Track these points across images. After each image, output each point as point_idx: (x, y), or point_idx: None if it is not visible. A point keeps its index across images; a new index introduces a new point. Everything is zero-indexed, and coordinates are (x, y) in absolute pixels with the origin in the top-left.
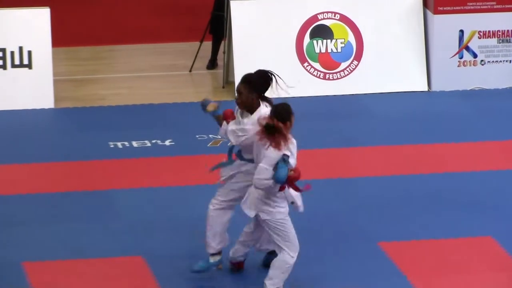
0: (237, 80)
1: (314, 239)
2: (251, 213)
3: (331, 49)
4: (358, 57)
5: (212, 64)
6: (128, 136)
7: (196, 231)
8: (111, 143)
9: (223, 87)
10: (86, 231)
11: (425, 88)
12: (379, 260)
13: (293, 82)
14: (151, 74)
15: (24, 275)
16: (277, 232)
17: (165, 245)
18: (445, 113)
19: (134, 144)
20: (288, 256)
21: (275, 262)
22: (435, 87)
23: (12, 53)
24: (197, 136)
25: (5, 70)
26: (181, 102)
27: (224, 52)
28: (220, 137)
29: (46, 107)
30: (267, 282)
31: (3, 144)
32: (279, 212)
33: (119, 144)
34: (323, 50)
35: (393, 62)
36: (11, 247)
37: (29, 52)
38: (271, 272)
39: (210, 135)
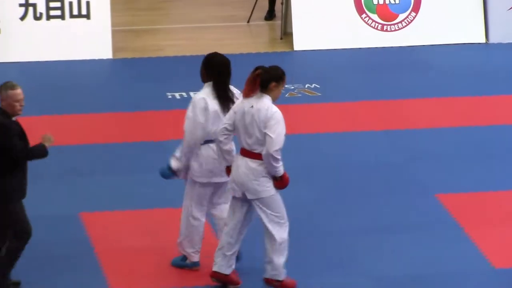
0: (295, 31)
1: (370, 191)
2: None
3: (389, 0)
4: (416, 8)
5: (270, 15)
6: (185, 86)
7: None
8: (168, 93)
9: (281, 38)
10: (143, 182)
11: (483, 40)
12: (436, 212)
13: (350, 33)
14: (209, 25)
15: (82, 226)
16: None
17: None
18: (502, 65)
19: (192, 94)
20: (285, 234)
21: (274, 246)
22: (493, 39)
23: (70, 3)
24: None
25: (63, 21)
26: (239, 53)
27: (282, 3)
28: None
29: (104, 57)
30: (278, 271)
31: (61, 95)
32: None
33: (177, 95)
34: (381, 2)
35: (450, 14)
36: (69, 198)
37: (87, 3)
38: (276, 258)
39: None
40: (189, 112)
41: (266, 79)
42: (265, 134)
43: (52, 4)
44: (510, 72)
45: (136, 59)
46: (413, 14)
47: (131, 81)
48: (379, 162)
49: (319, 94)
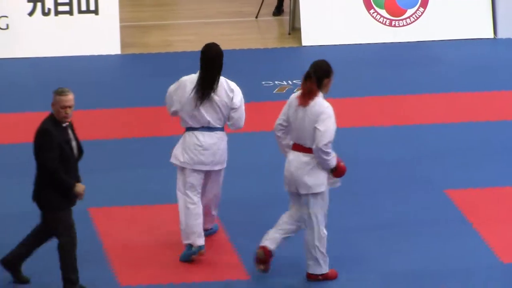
0: (303, 26)
1: (379, 187)
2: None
3: None
4: (424, 3)
5: (278, 11)
6: None
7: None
8: None
9: (289, 34)
10: (152, 177)
11: (491, 35)
12: (445, 207)
13: (359, 28)
14: (217, 21)
15: (90, 221)
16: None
17: (230, 189)
18: (510, 60)
19: None
20: (325, 229)
21: (312, 241)
22: (501, 34)
23: None
24: (263, 83)
25: (71, 16)
26: (247, 48)
27: None
28: None
29: (113, 53)
30: (320, 263)
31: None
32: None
33: None
34: None
35: (459, 9)
36: None
37: None
38: (314, 254)
39: (276, 82)
40: None
41: (320, 77)
42: (315, 129)
43: (60, 0)
44: None
45: (144, 54)
46: (421, 9)
47: (139, 76)
48: (387, 158)
49: None
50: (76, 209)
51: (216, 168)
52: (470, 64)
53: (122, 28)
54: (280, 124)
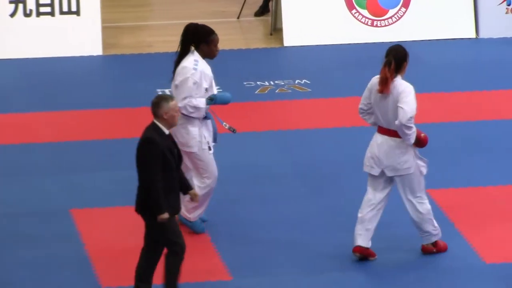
0: (285, 27)
1: (361, 187)
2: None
3: None
4: (406, 4)
5: (263, 11)
6: None
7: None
8: (159, 90)
9: (271, 34)
10: (134, 179)
11: (473, 35)
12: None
13: (341, 28)
14: (199, 21)
15: (72, 222)
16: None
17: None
18: (493, 60)
19: None
20: (427, 205)
21: (421, 214)
22: (483, 34)
23: (60, 0)
24: (245, 83)
25: (53, 17)
26: (229, 49)
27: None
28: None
29: (95, 54)
30: (432, 232)
31: (52, 91)
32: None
33: (167, 91)
34: None
35: (441, 9)
36: (59, 194)
37: None
38: (424, 225)
39: (258, 82)
40: None
41: (399, 61)
42: (397, 108)
43: (42, 1)
44: (500, 67)
45: (126, 55)
46: (403, 9)
47: (121, 77)
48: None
49: (309, 90)
50: (58, 210)
51: (183, 148)
52: (452, 64)
53: (104, 29)
54: (361, 108)
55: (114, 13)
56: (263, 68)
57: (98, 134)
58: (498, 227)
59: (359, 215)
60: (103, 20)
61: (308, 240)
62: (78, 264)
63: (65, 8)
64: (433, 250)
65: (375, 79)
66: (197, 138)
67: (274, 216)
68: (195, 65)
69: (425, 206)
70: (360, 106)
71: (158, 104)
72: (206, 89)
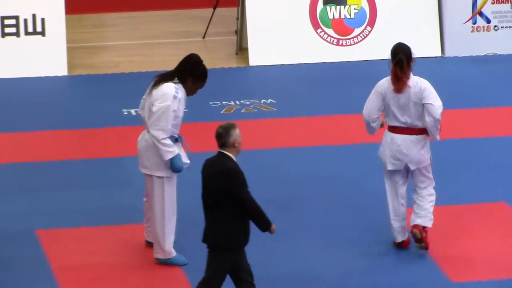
0: (251, 46)
1: (326, 205)
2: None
3: (345, 15)
4: (372, 23)
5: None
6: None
7: None
8: (124, 110)
9: (237, 54)
10: (100, 198)
11: (439, 54)
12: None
13: (306, 48)
14: (164, 41)
15: (38, 243)
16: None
17: (179, 210)
18: (458, 79)
19: None
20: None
21: (426, 200)
22: (449, 53)
23: (25, 20)
24: (211, 103)
25: (18, 38)
26: None
27: (237, 18)
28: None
29: (60, 74)
30: (428, 218)
31: (17, 112)
32: None
33: (133, 111)
34: (337, 16)
35: (406, 28)
36: (25, 214)
37: (42, 20)
38: (424, 212)
39: (224, 102)
40: None
41: (408, 58)
42: (424, 105)
43: (7, 22)
44: (466, 85)
45: (91, 75)
46: (368, 28)
47: (86, 98)
48: (334, 176)
49: (275, 109)
50: (24, 230)
51: (143, 170)
52: None
53: (69, 49)
54: (374, 117)
55: (79, 34)
56: (229, 87)
57: (63, 154)
58: (464, 246)
59: (393, 213)
60: (68, 41)
61: (276, 261)
62: (44, 285)
63: (30, 29)
64: (423, 233)
65: (385, 82)
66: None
67: None
68: (176, 92)
69: (434, 190)
70: (371, 116)
71: (228, 133)
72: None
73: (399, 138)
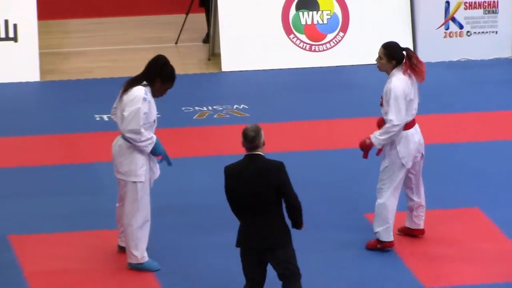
0: (223, 52)
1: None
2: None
3: (317, 20)
4: (344, 28)
5: (208, 37)
6: None
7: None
8: (97, 115)
9: (209, 59)
10: (72, 204)
11: None
12: (365, 231)
13: (279, 53)
14: (137, 47)
15: (11, 248)
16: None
17: (151, 216)
18: (431, 84)
19: None
20: None
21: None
22: (422, 58)
23: None
24: (183, 109)
25: None
26: None
27: (209, 25)
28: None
29: (32, 80)
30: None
31: None
32: None
33: (105, 117)
34: (309, 22)
35: (379, 33)
36: None
37: (15, 26)
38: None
39: (196, 107)
40: None
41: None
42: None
43: None
44: (438, 91)
45: (64, 81)
46: (341, 34)
47: (59, 103)
48: (307, 182)
49: (248, 115)
50: None
51: (118, 176)
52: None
53: (41, 55)
54: (403, 121)
55: (51, 39)
56: (201, 93)
57: (36, 160)
58: (437, 251)
59: (393, 213)
60: (41, 46)
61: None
62: None
63: (2, 35)
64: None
65: (400, 84)
66: (145, 167)
67: (212, 243)
68: (145, 94)
69: None
70: (403, 119)
71: (259, 134)
72: (154, 121)
73: (417, 129)
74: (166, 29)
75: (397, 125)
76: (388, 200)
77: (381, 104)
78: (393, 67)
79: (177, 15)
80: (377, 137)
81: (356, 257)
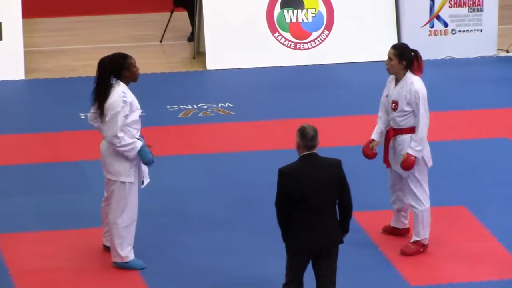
0: (208, 50)
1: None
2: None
3: (302, 19)
4: (329, 26)
5: (193, 36)
6: None
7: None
8: (82, 114)
9: (194, 58)
10: (58, 202)
11: None
12: (352, 229)
13: (263, 52)
14: (121, 45)
15: None
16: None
17: (139, 216)
18: None
19: None
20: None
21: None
22: None
23: None
24: (168, 107)
25: None
26: (151, 72)
27: (194, 23)
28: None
29: (17, 78)
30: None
31: None
32: None
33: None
34: (294, 20)
35: (363, 31)
36: None
37: None
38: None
39: (181, 106)
40: None
41: None
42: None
43: None
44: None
45: (48, 79)
46: (326, 32)
47: (44, 102)
48: None
49: (233, 113)
50: None
51: (108, 176)
52: (376, 87)
53: (26, 53)
54: None
55: (36, 38)
56: (186, 91)
57: (21, 158)
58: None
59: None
60: (25, 45)
61: (234, 266)
62: None
63: None
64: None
65: (421, 85)
66: (134, 168)
67: (197, 242)
68: (124, 98)
69: None
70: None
71: (317, 133)
72: (140, 116)
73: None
74: (151, 28)
75: (428, 126)
76: (428, 202)
77: (394, 109)
78: (404, 68)
79: (161, 13)
80: (417, 150)
81: (341, 255)
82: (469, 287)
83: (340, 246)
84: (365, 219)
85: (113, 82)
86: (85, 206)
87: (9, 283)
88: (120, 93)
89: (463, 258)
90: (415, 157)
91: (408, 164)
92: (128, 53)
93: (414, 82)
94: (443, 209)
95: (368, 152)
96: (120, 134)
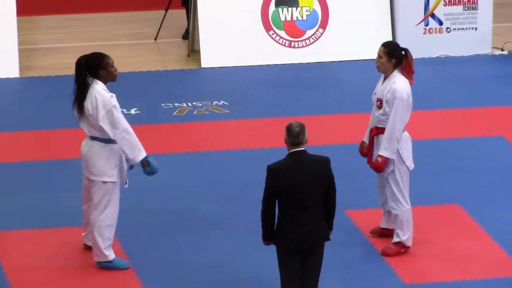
0: (203, 48)
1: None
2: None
3: (297, 17)
4: (324, 25)
5: (187, 33)
6: None
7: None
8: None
9: (189, 56)
10: (53, 200)
11: None
12: (346, 228)
13: (258, 50)
14: (116, 43)
15: None
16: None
17: (131, 214)
18: None
19: None
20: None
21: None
22: None
23: None
24: (163, 105)
25: None
26: (146, 70)
27: (189, 21)
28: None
29: (12, 76)
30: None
31: None
32: None
33: None
34: (289, 18)
35: (358, 29)
36: None
37: None
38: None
39: (176, 104)
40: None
41: None
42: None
43: None
44: (418, 87)
45: (43, 77)
46: (320, 30)
47: (38, 99)
48: None
49: (227, 111)
50: None
51: (91, 177)
52: (370, 85)
53: (21, 51)
54: None
55: (31, 35)
56: (181, 89)
57: (15, 156)
58: (417, 248)
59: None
60: (20, 42)
61: (229, 265)
62: None
63: None
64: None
65: (407, 83)
66: (117, 168)
67: (191, 240)
68: (107, 92)
69: None
70: (405, 122)
71: (304, 130)
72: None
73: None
74: (145, 25)
75: (401, 128)
76: (407, 204)
77: (379, 107)
78: (393, 67)
79: (156, 11)
80: (386, 150)
81: (336, 255)
82: (463, 286)
83: (334, 244)
84: (359, 217)
85: (90, 82)
86: (79, 203)
87: (3, 280)
88: (102, 89)
89: (457, 257)
90: (384, 158)
91: (375, 165)
92: (123, 51)
93: (396, 81)
94: (438, 207)
95: (362, 152)
96: (127, 126)
